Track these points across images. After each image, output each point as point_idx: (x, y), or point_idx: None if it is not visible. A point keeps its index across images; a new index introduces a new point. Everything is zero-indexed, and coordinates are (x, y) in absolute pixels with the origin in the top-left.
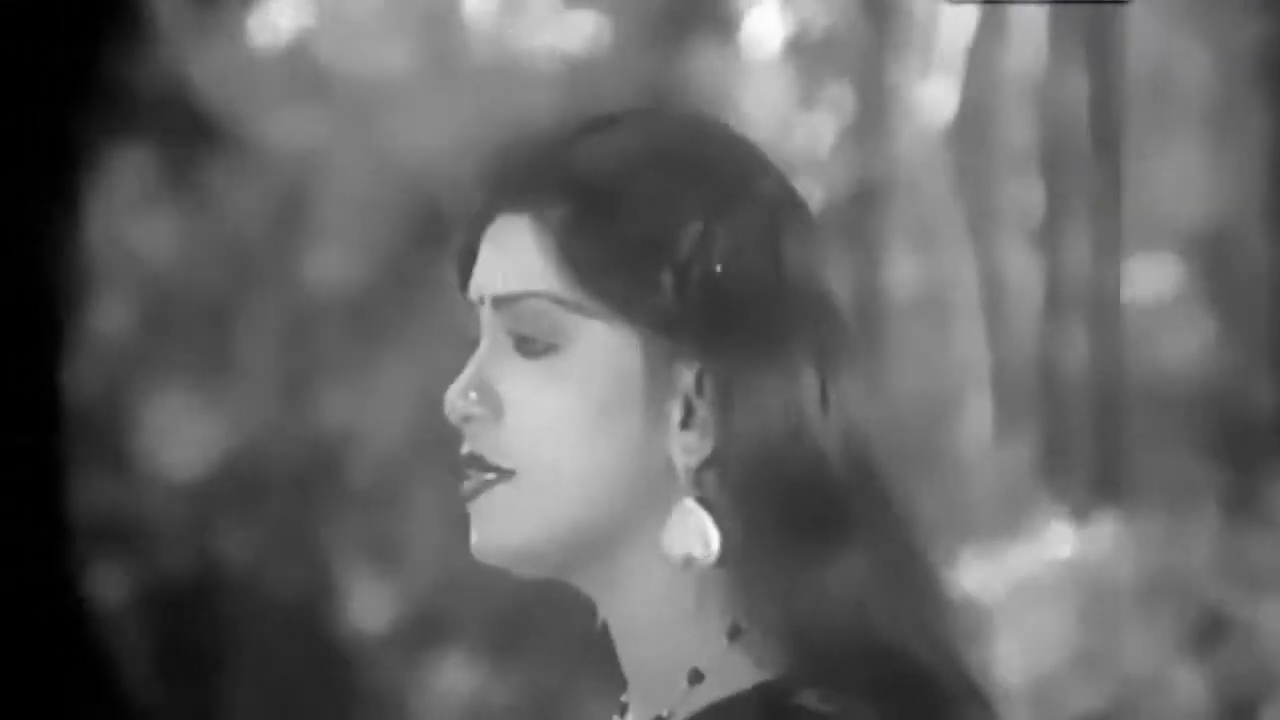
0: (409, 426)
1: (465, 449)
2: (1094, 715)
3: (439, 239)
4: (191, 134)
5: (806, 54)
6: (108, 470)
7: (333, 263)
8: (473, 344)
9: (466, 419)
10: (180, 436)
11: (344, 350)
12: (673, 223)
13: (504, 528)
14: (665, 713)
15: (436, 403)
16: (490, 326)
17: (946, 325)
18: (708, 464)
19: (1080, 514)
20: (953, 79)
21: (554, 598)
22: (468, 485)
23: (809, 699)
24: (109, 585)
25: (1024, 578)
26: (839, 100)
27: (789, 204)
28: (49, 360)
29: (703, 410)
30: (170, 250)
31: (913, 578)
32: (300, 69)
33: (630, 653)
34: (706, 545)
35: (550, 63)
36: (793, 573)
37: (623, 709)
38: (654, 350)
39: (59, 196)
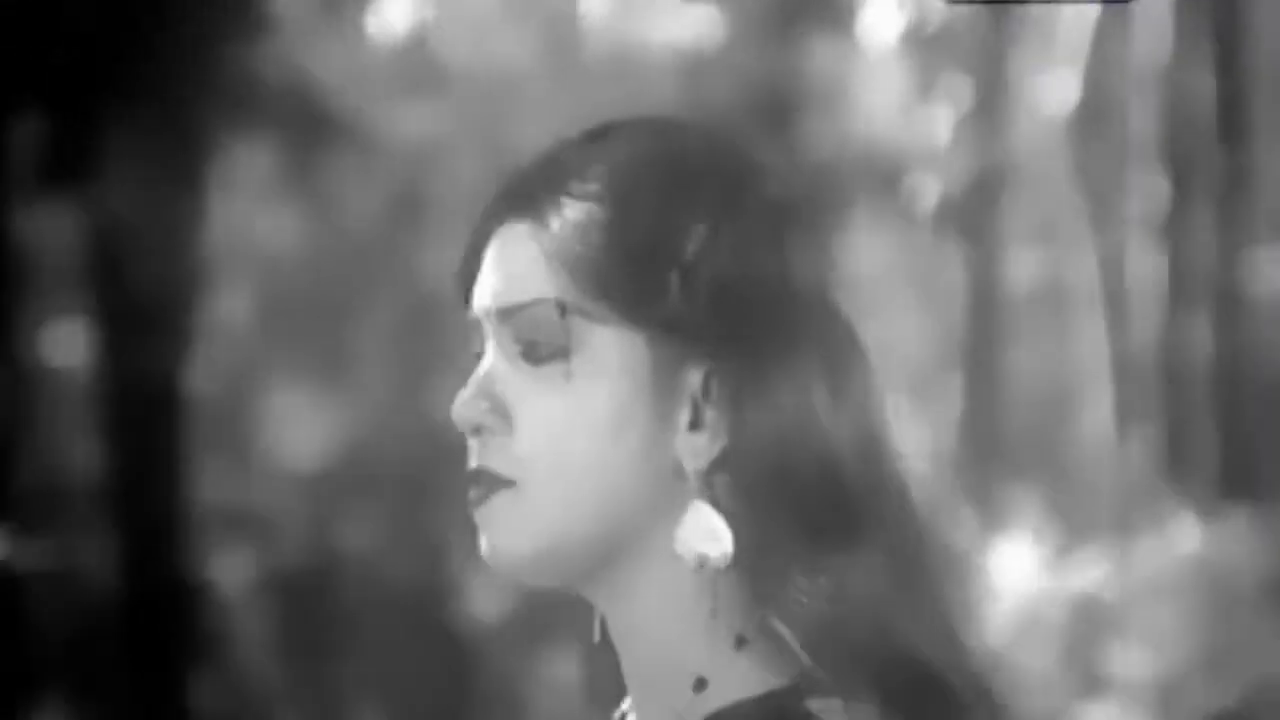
0: None
1: (473, 463)
2: (1224, 715)
3: None
4: (312, 129)
5: (923, 46)
6: (230, 461)
7: (450, 256)
8: (474, 357)
9: (477, 430)
10: (300, 428)
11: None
12: (678, 225)
13: (515, 536)
14: (672, 718)
15: None
16: (496, 337)
17: (1067, 319)
18: (717, 466)
19: (1206, 509)
20: (1074, 70)
21: None
22: (474, 493)
23: (818, 706)
24: (231, 573)
25: (1149, 574)
26: (956, 92)
27: (794, 206)
28: (174, 352)
29: (711, 412)
30: (290, 244)
31: (927, 580)
32: (418, 64)
33: (635, 661)
34: (720, 545)
35: (666, 56)
36: (805, 575)
37: (622, 718)
38: (661, 353)
39: (183, 191)
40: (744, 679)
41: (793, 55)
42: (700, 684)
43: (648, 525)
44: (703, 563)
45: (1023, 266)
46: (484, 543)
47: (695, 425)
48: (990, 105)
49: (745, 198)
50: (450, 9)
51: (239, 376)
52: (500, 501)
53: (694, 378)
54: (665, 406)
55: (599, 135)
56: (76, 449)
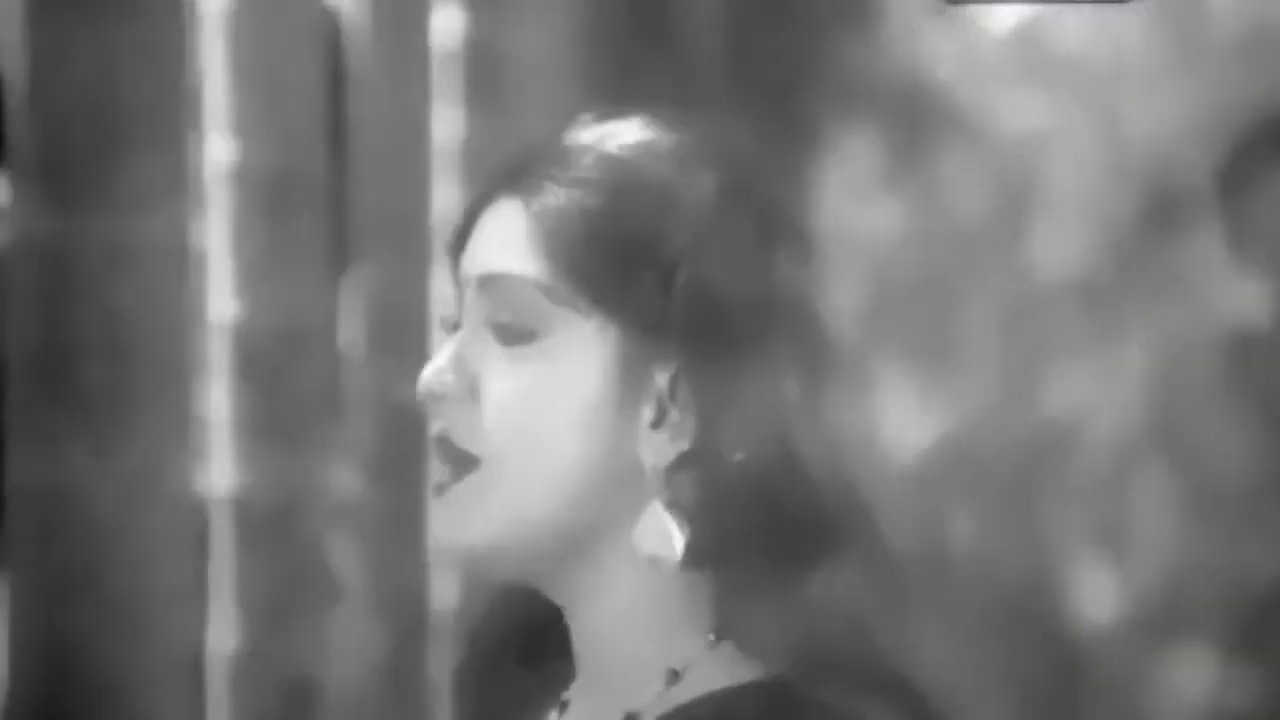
0: (1140, 412)
1: (435, 429)
2: None
3: (1173, 222)
4: (920, 118)
5: None
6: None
7: (1060, 246)
8: (452, 326)
9: (438, 398)
10: (902, 418)
11: (1071, 334)
12: (662, 226)
13: (470, 520)
14: (639, 709)
15: (1170, 388)
16: (473, 310)
17: None
18: (679, 467)
19: None
20: None
21: None
22: (437, 479)
23: (805, 690)
24: None
25: None
26: None
27: (783, 213)
28: None
29: (675, 413)
30: (897, 234)
31: (894, 585)
32: (1030, 50)
33: (597, 653)
34: (670, 547)
35: None
36: (767, 579)
37: (562, 706)
38: (631, 349)
39: (791, 182)
40: (720, 672)
41: None
42: (673, 676)
43: (609, 520)
44: (654, 562)
45: None
46: (439, 523)
47: (658, 424)
48: None
49: (734, 205)
50: None
51: (844, 369)
52: (462, 486)
53: (661, 377)
54: (630, 402)
55: (605, 121)
56: None
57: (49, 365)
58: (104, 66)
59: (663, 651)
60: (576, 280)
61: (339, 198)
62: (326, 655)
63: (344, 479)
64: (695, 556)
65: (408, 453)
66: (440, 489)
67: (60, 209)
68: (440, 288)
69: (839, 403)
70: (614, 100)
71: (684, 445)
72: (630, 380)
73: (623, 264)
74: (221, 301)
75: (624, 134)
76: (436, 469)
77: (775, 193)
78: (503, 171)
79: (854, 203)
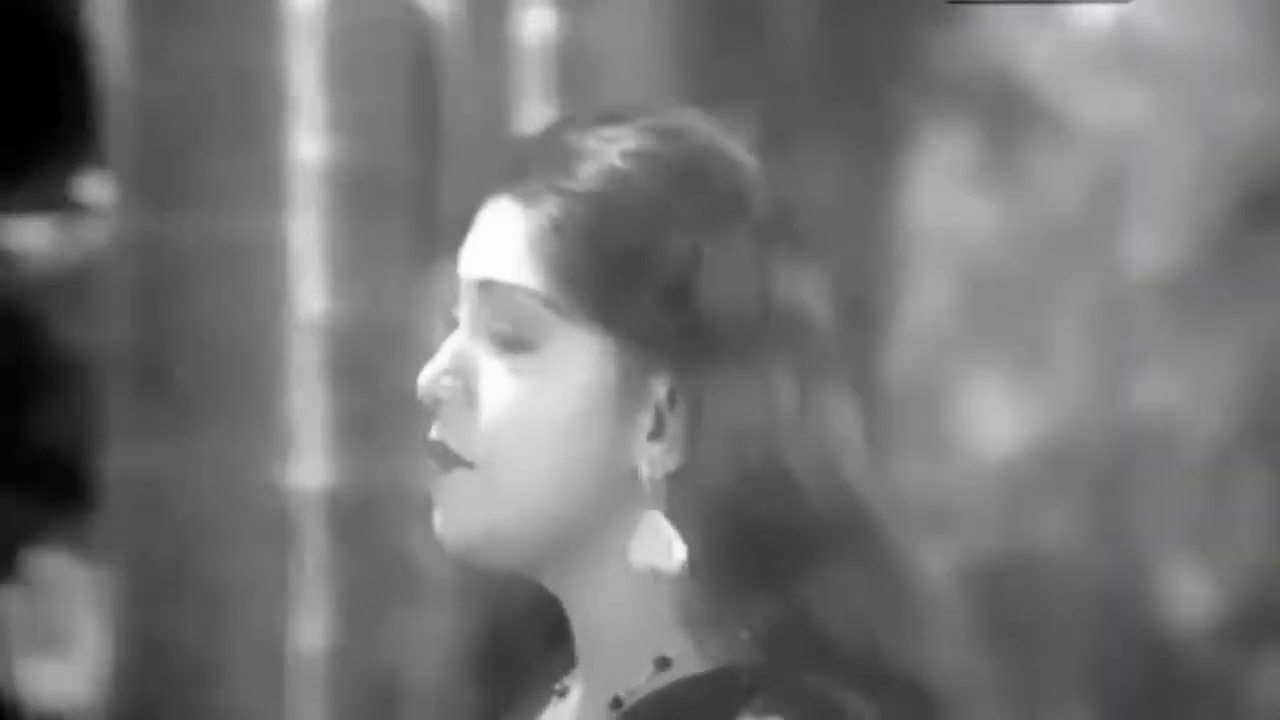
0: (1236, 410)
1: (433, 434)
2: None
3: (1268, 218)
4: (1012, 114)
5: None
6: (925, 451)
7: (1154, 242)
8: (453, 320)
9: (438, 402)
10: (997, 417)
11: (1165, 332)
12: (663, 238)
13: (468, 519)
14: (625, 693)
15: (1265, 386)
16: (473, 313)
17: None
18: (674, 478)
19: None
20: None
21: None
22: (434, 475)
23: (783, 677)
24: (927, 561)
25: None
26: None
27: (781, 223)
28: (870, 342)
29: (672, 424)
30: (989, 231)
31: (890, 599)
32: (1124, 45)
33: (591, 640)
34: (670, 558)
35: None
36: (754, 589)
37: (562, 691)
38: (629, 362)
39: (880, 179)
40: (706, 660)
41: None
42: (663, 663)
43: (601, 526)
44: (654, 573)
45: None
46: (438, 519)
47: (656, 435)
48: None
49: (734, 215)
50: None
51: (935, 365)
52: (457, 480)
53: (660, 389)
54: (628, 412)
55: (606, 123)
56: None
57: (146, 360)
58: (200, 70)
59: (653, 642)
60: (576, 294)
61: (428, 194)
62: (413, 650)
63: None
64: (692, 567)
65: None
66: (438, 486)
67: (157, 207)
68: None
69: (837, 411)
70: (701, 96)
71: (681, 457)
72: (627, 392)
73: (622, 279)
74: (312, 298)
75: (625, 140)
76: (431, 467)
77: (775, 201)
78: (505, 166)
79: (946, 199)
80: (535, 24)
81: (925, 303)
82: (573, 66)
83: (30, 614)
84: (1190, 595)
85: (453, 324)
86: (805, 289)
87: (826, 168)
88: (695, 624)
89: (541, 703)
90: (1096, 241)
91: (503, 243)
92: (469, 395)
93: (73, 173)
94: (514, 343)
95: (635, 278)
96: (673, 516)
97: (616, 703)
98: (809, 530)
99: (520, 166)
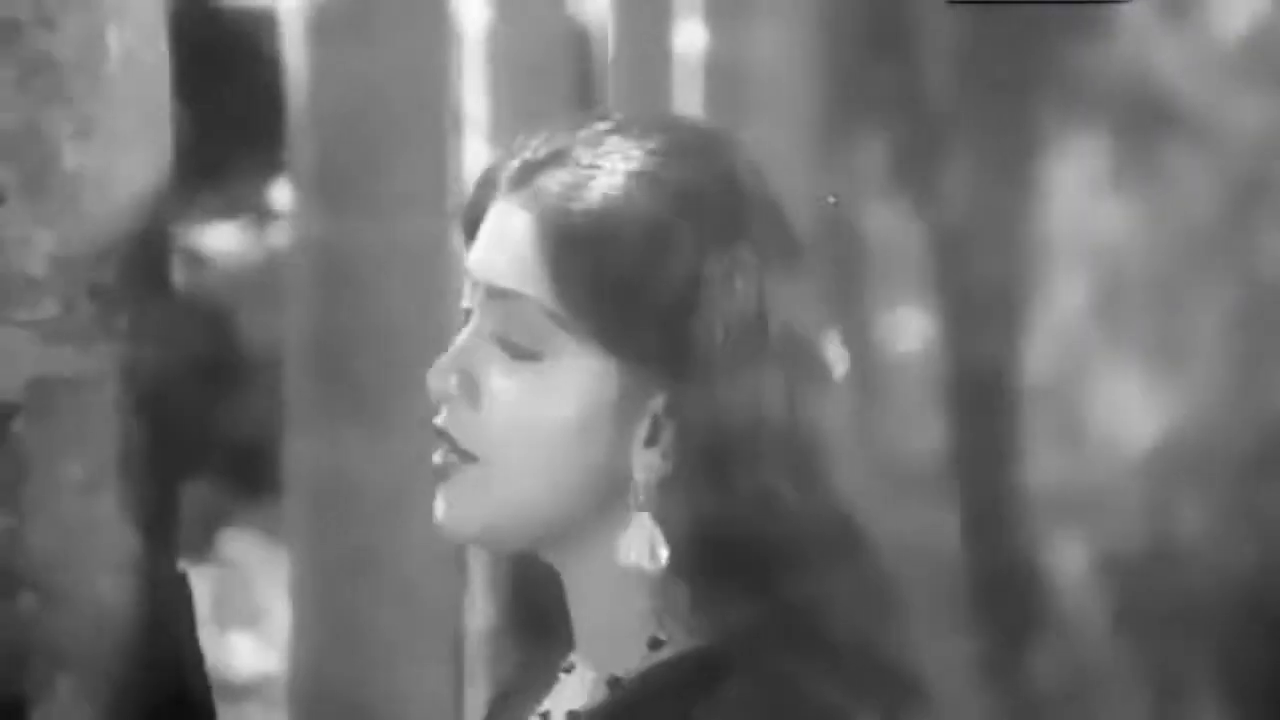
0: None
1: (439, 422)
2: None
3: None
4: (1150, 120)
5: None
6: (1063, 445)
7: None
8: (464, 313)
9: (446, 397)
10: (1134, 413)
11: None
12: (664, 263)
13: (467, 510)
14: (622, 673)
15: None
16: (483, 316)
17: None
18: (667, 484)
19: None
20: None
21: None
22: (438, 462)
23: (760, 659)
24: (1065, 554)
25: None
26: None
27: (779, 240)
28: (1009, 339)
29: (667, 435)
30: (1126, 234)
31: (873, 598)
32: (1260, 50)
33: (587, 621)
34: (655, 559)
35: None
36: (732, 591)
37: (568, 668)
38: (628, 377)
39: (1020, 185)
40: (694, 641)
41: None
42: (655, 644)
43: (593, 524)
44: (639, 572)
45: None
46: (440, 507)
47: (651, 442)
48: None
49: (734, 243)
50: None
51: (1073, 362)
52: (461, 472)
53: (658, 400)
54: (626, 422)
55: (619, 134)
56: (913, 429)
57: (326, 354)
58: (373, 83)
59: (646, 626)
60: (582, 312)
61: None
62: None
63: None
64: (676, 567)
65: None
66: (441, 474)
67: (335, 213)
68: None
69: (827, 420)
70: (847, 106)
71: (673, 465)
72: (626, 403)
73: (624, 302)
74: None
75: (634, 160)
76: (437, 454)
77: (774, 221)
78: (505, 166)
79: (1085, 204)
80: (688, 37)
81: (1065, 302)
82: (723, 77)
83: (223, 592)
84: None
85: (465, 316)
86: (800, 306)
87: (968, 176)
88: (678, 616)
89: (550, 680)
90: (1233, 244)
91: (513, 250)
92: (475, 394)
93: (260, 181)
94: (522, 351)
95: (636, 300)
96: (661, 520)
97: (614, 682)
98: (790, 539)
99: (531, 171)
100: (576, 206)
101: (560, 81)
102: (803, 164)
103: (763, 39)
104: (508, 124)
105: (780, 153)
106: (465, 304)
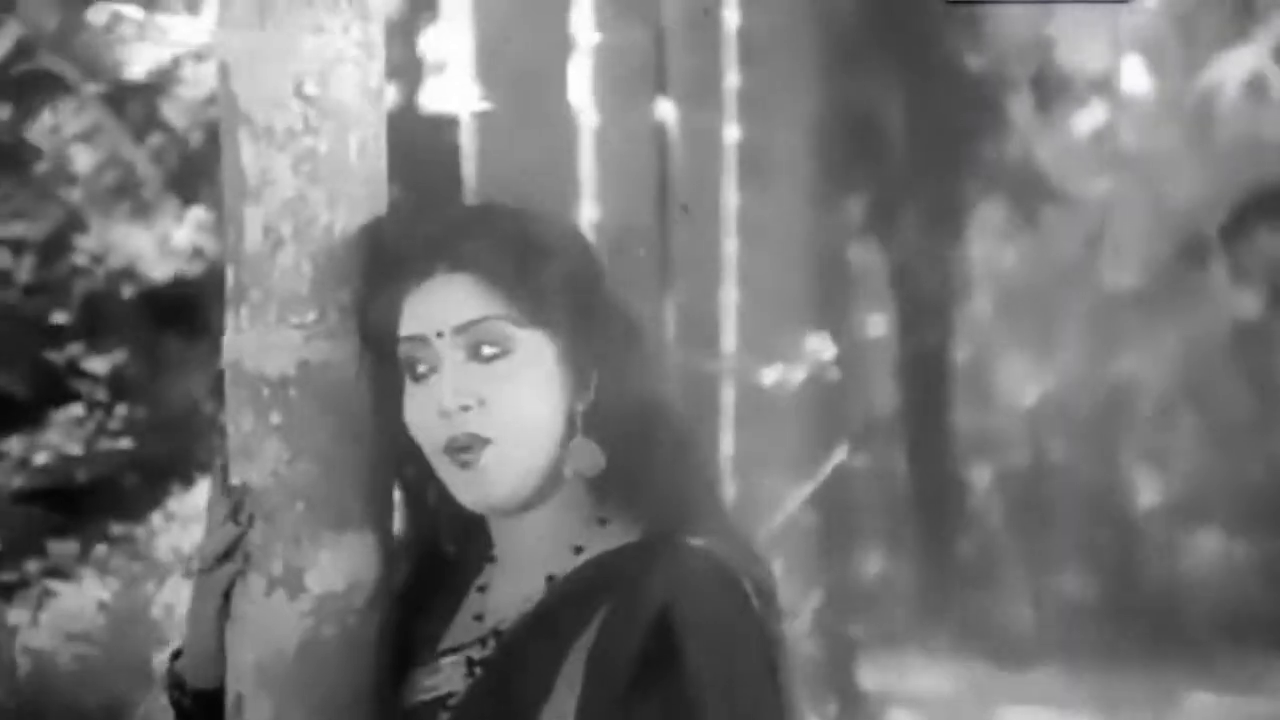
0: (1176, 376)
1: (461, 431)
2: None
3: (1194, 255)
4: (1032, 190)
5: None
6: (976, 402)
7: (1123, 270)
8: (420, 374)
9: (466, 409)
10: (1021, 381)
11: (1129, 326)
12: (569, 273)
13: (496, 484)
14: (556, 571)
15: (1196, 362)
16: (449, 348)
17: None
18: (590, 412)
19: None
20: None
21: None
22: (466, 456)
23: (683, 539)
24: (976, 474)
25: None
26: None
27: (604, 273)
28: (941, 332)
29: (594, 380)
30: (1016, 265)
31: (705, 476)
32: (1102, 146)
33: (515, 542)
34: (596, 466)
35: None
36: (638, 479)
37: (483, 586)
38: (565, 349)
39: (949, 235)
40: (609, 542)
41: None
42: (578, 550)
43: (559, 455)
44: (579, 473)
45: None
46: (474, 492)
47: (584, 386)
48: None
49: (598, 269)
50: None
51: (983, 349)
52: (487, 461)
53: (585, 360)
54: (570, 374)
55: (497, 211)
56: (876, 391)
57: None
58: (520, 165)
59: (569, 534)
60: (528, 312)
61: (661, 240)
62: None
63: None
64: (607, 468)
65: (707, 431)
66: (467, 464)
67: None
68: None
69: (662, 375)
70: (837, 179)
71: (598, 399)
72: (568, 364)
73: (550, 300)
74: None
75: (523, 218)
76: (462, 455)
77: (599, 260)
78: (435, 252)
79: (991, 245)
80: (728, 131)
81: (978, 309)
82: (753, 160)
83: None
84: (1146, 493)
85: (415, 375)
86: (634, 308)
87: (916, 224)
88: (604, 513)
89: (461, 595)
90: (1084, 273)
91: (465, 296)
92: (479, 400)
93: None
94: (492, 354)
95: (558, 299)
96: (593, 436)
97: (550, 578)
98: (661, 435)
99: (447, 251)
100: (504, 249)
101: (644, 160)
102: (804, 217)
103: (776, 133)
104: (610, 190)
105: (791, 209)
106: (421, 365)
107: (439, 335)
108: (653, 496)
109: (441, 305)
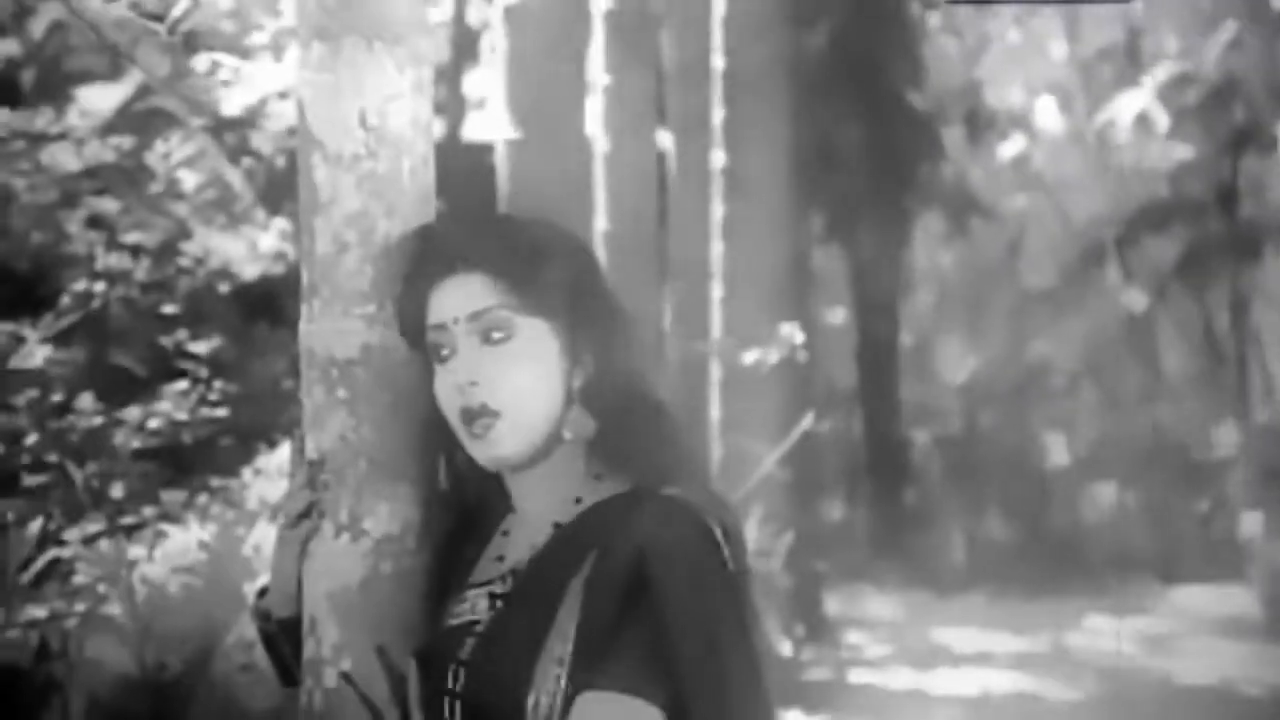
0: (1080, 358)
1: (474, 402)
2: None
3: (1095, 258)
4: (964, 206)
5: None
6: (919, 377)
7: (1037, 274)
8: (443, 355)
9: (476, 385)
10: (955, 360)
11: (1042, 318)
12: (564, 267)
13: (504, 448)
14: (561, 519)
15: (1095, 345)
16: (464, 334)
17: None
18: (585, 387)
19: None
20: None
21: None
22: (478, 425)
23: (660, 490)
24: (919, 437)
25: None
26: None
27: (599, 267)
28: (891, 321)
29: (585, 359)
30: (952, 268)
31: (682, 439)
32: (1022, 170)
33: (527, 495)
34: (588, 430)
35: None
36: (626, 442)
37: (505, 530)
38: (561, 331)
39: (893, 241)
40: (601, 494)
41: None
42: (577, 501)
43: (557, 421)
44: (576, 437)
45: None
46: (485, 450)
47: (578, 363)
48: None
49: (592, 263)
50: None
51: (925, 335)
52: (498, 428)
53: (580, 342)
54: (564, 355)
55: (505, 221)
56: (837, 369)
57: None
58: (545, 184)
59: (570, 488)
60: (529, 303)
61: (661, 249)
62: None
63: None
64: (599, 433)
65: (698, 403)
66: (481, 434)
67: None
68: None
69: (643, 357)
70: (807, 196)
71: (587, 374)
72: (565, 347)
73: (549, 293)
74: None
75: (529, 228)
76: (475, 424)
77: (594, 257)
78: (451, 255)
79: (930, 251)
80: (715, 157)
81: (921, 302)
82: (737, 183)
83: None
84: (1054, 453)
85: (439, 358)
86: (624, 299)
87: (870, 234)
88: (598, 470)
89: (489, 539)
90: (1007, 274)
91: (478, 290)
92: (488, 379)
93: None
94: (500, 338)
95: (553, 291)
96: (587, 406)
97: (556, 525)
98: (643, 405)
99: (465, 254)
100: (509, 252)
101: (648, 200)
102: (777, 226)
103: (756, 159)
104: (617, 208)
105: (766, 220)
106: (444, 349)
107: (455, 322)
108: (636, 455)
109: (457, 297)
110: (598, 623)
